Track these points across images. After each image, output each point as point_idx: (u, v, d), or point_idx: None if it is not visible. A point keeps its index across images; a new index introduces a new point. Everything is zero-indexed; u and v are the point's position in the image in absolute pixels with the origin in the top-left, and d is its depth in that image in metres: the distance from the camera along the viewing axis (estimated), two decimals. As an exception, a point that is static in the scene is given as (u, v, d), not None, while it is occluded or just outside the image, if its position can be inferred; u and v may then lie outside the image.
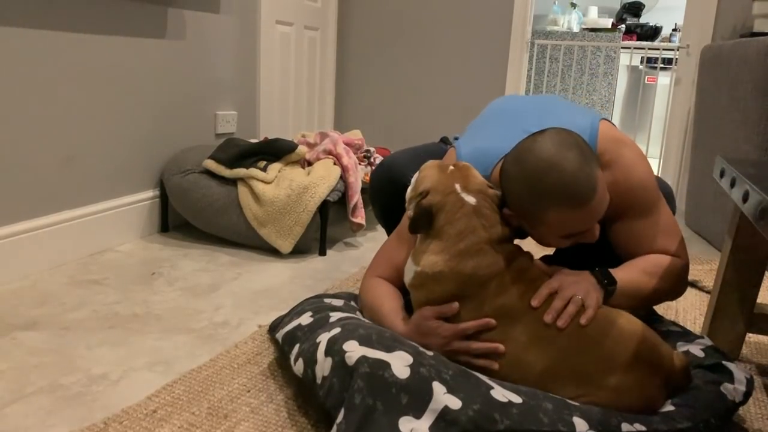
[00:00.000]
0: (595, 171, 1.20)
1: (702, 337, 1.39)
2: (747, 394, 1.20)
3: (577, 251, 1.38)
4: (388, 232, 1.69)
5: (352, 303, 1.50)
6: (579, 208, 1.19)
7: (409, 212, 1.30)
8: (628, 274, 1.30)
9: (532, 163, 1.20)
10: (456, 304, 1.23)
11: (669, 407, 1.14)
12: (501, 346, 1.19)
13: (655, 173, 1.47)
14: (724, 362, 1.25)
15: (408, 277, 1.29)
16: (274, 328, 1.49)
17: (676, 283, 1.36)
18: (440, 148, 1.67)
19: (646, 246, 1.36)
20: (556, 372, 1.14)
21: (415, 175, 1.39)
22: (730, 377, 1.22)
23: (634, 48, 4.71)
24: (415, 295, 1.29)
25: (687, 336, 1.41)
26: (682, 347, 1.35)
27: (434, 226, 1.26)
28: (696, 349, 1.32)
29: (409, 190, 1.39)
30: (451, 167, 1.33)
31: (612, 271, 1.29)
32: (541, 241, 1.31)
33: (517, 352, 1.17)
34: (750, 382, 1.23)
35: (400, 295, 1.41)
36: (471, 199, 1.26)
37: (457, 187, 1.28)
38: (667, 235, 1.37)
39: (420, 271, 1.25)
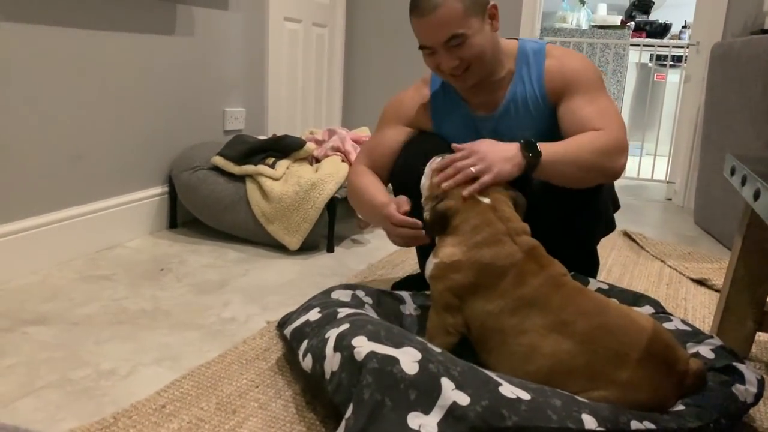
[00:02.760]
0: (451, 1, 1.41)
1: (711, 337, 1.38)
2: (758, 396, 1.20)
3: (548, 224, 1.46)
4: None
5: (359, 295, 1.50)
6: (418, 18, 1.47)
7: (426, 214, 1.37)
8: (559, 144, 1.41)
9: None
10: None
11: (679, 406, 1.13)
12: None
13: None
14: (734, 363, 1.25)
15: (428, 270, 1.34)
16: (282, 324, 1.49)
17: (609, 154, 1.42)
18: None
19: (586, 125, 1.47)
20: (570, 363, 1.14)
21: (427, 168, 1.45)
22: (741, 378, 1.21)
23: (644, 45, 4.69)
24: (435, 286, 1.32)
25: (696, 336, 1.40)
26: (692, 348, 1.35)
27: (450, 225, 1.33)
28: (706, 350, 1.31)
29: (422, 184, 1.46)
30: None
31: (542, 144, 1.38)
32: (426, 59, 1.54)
33: (534, 342, 1.18)
34: (761, 384, 1.22)
35: (382, 183, 1.65)
36: (486, 200, 1.32)
37: None
38: (606, 116, 1.48)
39: (439, 262, 1.30)
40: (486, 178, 1.31)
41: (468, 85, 1.55)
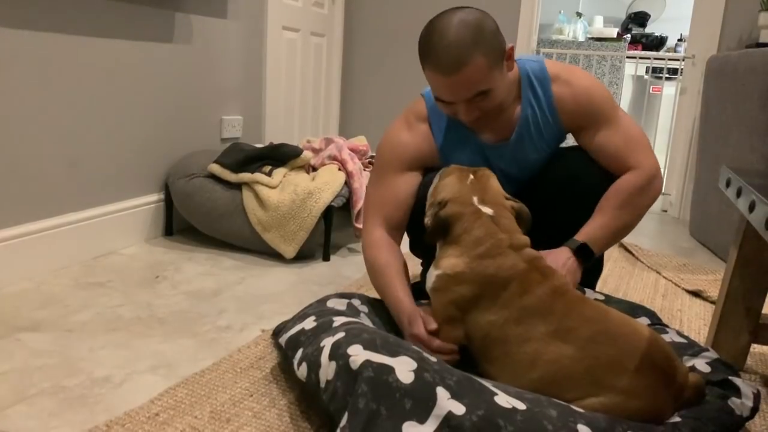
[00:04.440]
0: (475, 56, 1.30)
1: (707, 350, 1.38)
2: (754, 410, 1.20)
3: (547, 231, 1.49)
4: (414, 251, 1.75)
5: (355, 304, 1.50)
6: (440, 76, 1.33)
7: (427, 220, 1.36)
8: (600, 229, 1.45)
9: (432, 22, 1.36)
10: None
11: (675, 418, 1.13)
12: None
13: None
14: (730, 377, 1.25)
15: (429, 282, 1.32)
16: (277, 332, 1.48)
17: (647, 193, 1.50)
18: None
19: (619, 161, 1.51)
20: (572, 369, 1.15)
21: (436, 177, 1.45)
22: (736, 392, 1.21)
23: (640, 58, 4.71)
24: (437, 299, 1.31)
25: (692, 348, 1.40)
26: (688, 361, 1.35)
27: (451, 234, 1.32)
28: (701, 363, 1.31)
29: (430, 191, 1.45)
30: (471, 176, 1.38)
31: (585, 233, 1.44)
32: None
33: (538, 349, 1.18)
34: (757, 397, 1.22)
35: (403, 260, 1.54)
36: (488, 210, 1.32)
37: (475, 199, 1.33)
38: (634, 143, 1.51)
39: (441, 273, 1.29)
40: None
41: (481, 126, 1.50)
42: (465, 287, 1.25)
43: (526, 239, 1.32)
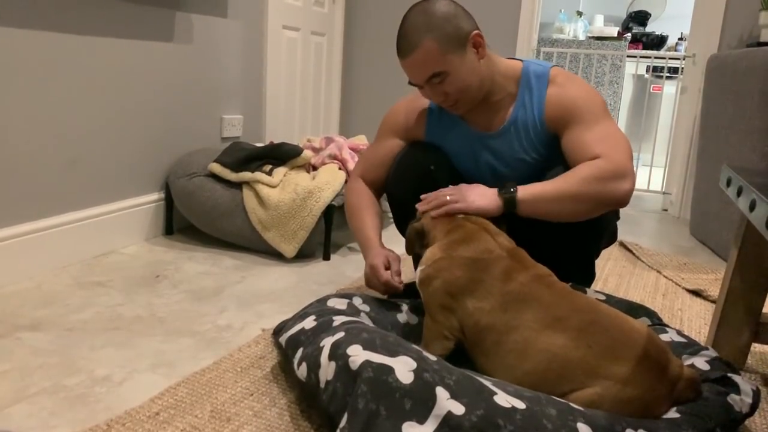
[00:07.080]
0: (425, 39, 1.42)
1: (707, 349, 1.38)
2: (753, 406, 1.20)
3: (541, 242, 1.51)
4: (398, 226, 1.81)
5: (355, 303, 1.50)
6: (400, 59, 1.48)
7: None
8: (545, 182, 1.43)
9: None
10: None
11: (674, 414, 1.13)
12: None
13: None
14: (729, 374, 1.25)
15: (416, 279, 1.39)
16: (277, 332, 1.48)
17: (604, 181, 1.39)
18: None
19: (585, 152, 1.45)
20: (565, 358, 1.15)
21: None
22: (736, 389, 1.21)
23: (640, 57, 4.71)
24: (425, 290, 1.36)
25: (691, 347, 1.40)
26: (687, 360, 1.35)
27: (427, 239, 1.43)
28: (701, 362, 1.31)
29: None
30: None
31: (529, 189, 1.43)
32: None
33: (528, 338, 1.19)
34: (756, 394, 1.22)
35: (379, 208, 1.73)
36: (458, 216, 1.43)
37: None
38: (605, 141, 1.44)
39: (423, 267, 1.36)
40: (456, 205, 1.42)
41: (461, 113, 1.59)
42: (447, 273, 1.30)
43: (502, 232, 1.39)
